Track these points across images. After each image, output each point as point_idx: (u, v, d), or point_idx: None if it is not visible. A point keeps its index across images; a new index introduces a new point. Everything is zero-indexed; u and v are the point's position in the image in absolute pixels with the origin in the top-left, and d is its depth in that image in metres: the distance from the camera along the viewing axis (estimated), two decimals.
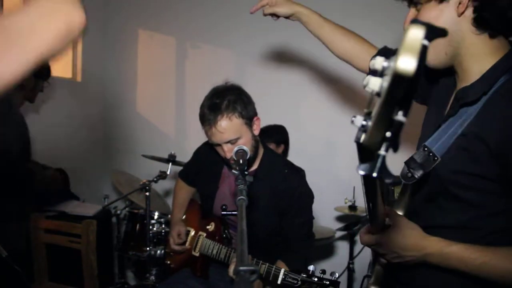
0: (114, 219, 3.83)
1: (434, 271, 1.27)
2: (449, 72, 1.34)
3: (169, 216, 3.38)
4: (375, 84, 0.58)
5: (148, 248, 3.15)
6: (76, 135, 4.27)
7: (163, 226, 3.31)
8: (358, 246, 3.54)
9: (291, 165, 2.54)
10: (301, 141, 3.87)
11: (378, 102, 0.57)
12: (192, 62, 4.48)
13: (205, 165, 2.51)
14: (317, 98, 3.91)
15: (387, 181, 0.61)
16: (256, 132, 2.26)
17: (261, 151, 2.38)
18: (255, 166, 2.36)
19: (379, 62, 0.59)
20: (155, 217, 3.35)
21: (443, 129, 1.26)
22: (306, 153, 3.77)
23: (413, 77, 0.49)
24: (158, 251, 3.21)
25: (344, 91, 3.76)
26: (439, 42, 1.17)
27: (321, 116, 3.93)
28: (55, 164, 3.81)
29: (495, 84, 1.17)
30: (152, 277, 3.26)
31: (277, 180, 2.30)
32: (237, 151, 1.95)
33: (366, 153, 0.63)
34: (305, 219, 2.35)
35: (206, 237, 2.46)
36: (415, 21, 0.52)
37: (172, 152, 3.32)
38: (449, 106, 1.34)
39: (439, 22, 1.20)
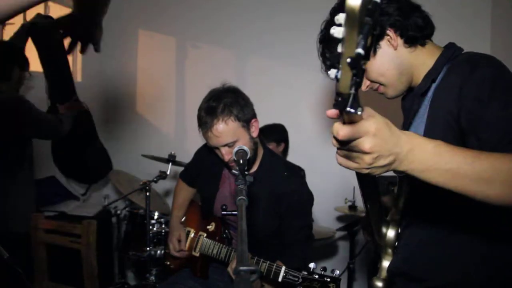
0: (114, 219, 3.84)
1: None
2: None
3: (169, 216, 3.39)
4: (339, 31, 0.73)
5: (148, 248, 3.14)
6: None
7: (163, 226, 3.31)
8: (358, 246, 3.54)
9: (291, 166, 2.53)
10: (301, 141, 3.87)
11: (342, 47, 0.73)
12: (192, 62, 4.48)
13: (205, 166, 2.51)
14: (316, 98, 3.92)
15: (355, 111, 0.81)
16: (254, 134, 2.25)
17: (260, 153, 2.37)
18: (254, 168, 2.35)
19: (342, 17, 0.73)
20: (155, 217, 3.35)
21: (415, 124, 1.45)
22: (306, 153, 3.77)
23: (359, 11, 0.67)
24: (158, 251, 3.21)
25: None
26: (396, 81, 1.47)
27: (321, 116, 3.93)
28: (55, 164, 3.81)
29: (440, 74, 1.40)
30: (152, 277, 3.26)
31: (277, 183, 2.30)
32: (237, 151, 1.94)
33: (344, 98, 0.81)
34: (304, 222, 2.34)
35: (207, 237, 2.46)
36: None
37: (172, 152, 3.32)
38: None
39: (385, 66, 1.45)
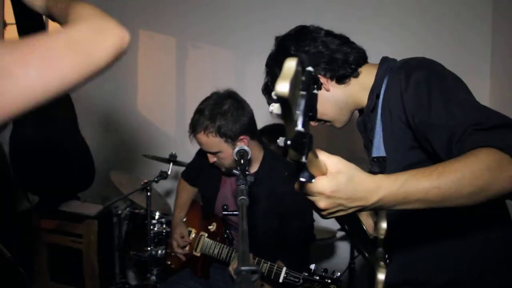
0: (115, 219, 3.83)
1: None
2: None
3: (171, 216, 3.39)
4: (277, 109, 0.74)
5: (149, 248, 3.14)
6: None
7: (164, 226, 3.31)
8: None
9: (292, 167, 2.53)
10: None
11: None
12: (193, 62, 4.48)
13: (206, 166, 2.51)
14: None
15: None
16: None
17: (260, 154, 2.37)
18: (255, 168, 2.36)
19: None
20: (156, 217, 3.35)
21: (375, 140, 1.49)
22: None
23: (298, 100, 0.72)
24: (159, 251, 3.21)
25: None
26: (338, 115, 1.59)
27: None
28: None
29: (382, 88, 1.45)
30: (153, 277, 3.26)
31: (277, 183, 2.30)
32: (238, 151, 1.95)
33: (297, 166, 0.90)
34: (304, 222, 2.34)
35: (208, 237, 2.46)
36: (299, 55, 0.70)
37: (173, 152, 3.32)
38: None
39: (324, 107, 1.55)
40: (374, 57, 1.62)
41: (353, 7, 3.67)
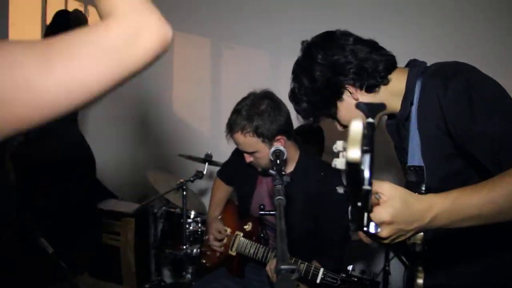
0: (151, 218, 3.89)
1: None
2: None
3: (206, 215, 3.42)
4: (341, 163, 0.79)
5: (184, 247, 3.17)
6: (115, 135, 4.36)
7: (199, 225, 3.34)
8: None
9: (328, 167, 2.52)
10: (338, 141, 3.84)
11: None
12: (227, 63, 4.50)
13: (242, 165, 2.53)
14: None
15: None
16: None
17: (296, 154, 2.37)
18: (291, 169, 2.36)
19: (340, 145, 0.84)
20: (192, 216, 3.38)
21: (410, 148, 1.47)
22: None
23: (362, 158, 0.72)
24: (194, 250, 3.24)
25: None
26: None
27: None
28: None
29: (415, 93, 1.42)
30: (188, 276, 3.29)
31: (313, 183, 2.29)
32: (273, 151, 1.96)
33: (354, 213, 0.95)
34: (340, 224, 2.33)
35: (243, 236, 2.48)
36: (358, 104, 0.82)
37: (209, 152, 3.34)
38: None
39: (352, 115, 1.52)
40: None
41: (361, 5, 3.63)
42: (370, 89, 1.49)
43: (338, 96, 1.53)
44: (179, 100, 4.76)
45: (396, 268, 3.58)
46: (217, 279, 2.52)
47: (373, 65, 1.47)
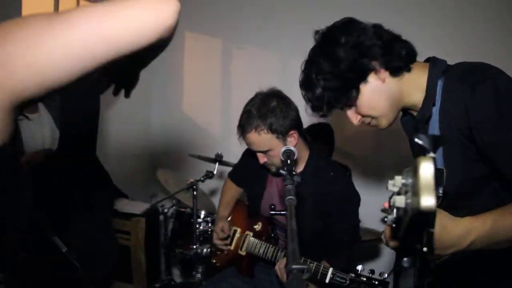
0: (161, 218, 3.90)
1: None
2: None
3: (216, 215, 3.43)
4: (400, 202, 0.74)
5: (194, 246, 3.18)
6: (124, 134, 4.38)
7: (210, 225, 3.34)
8: None
9: (338, 167, 2.52)
10: (348, 142, 3.84)
11: (404, 217, 0.74)
12: (238, 63, 4.51)
13: (252, 165, 2.53)
14: None
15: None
16: (292, 145, 2.22)
17: (306, 153, 2.37)
18: (300, 168, 2.35)
19: (398, 181, 0.78)
20: (202, 216, 3.38)
21: None
22: (353, 154, 3.74)
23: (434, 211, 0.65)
24: (204, 250, 3.24)
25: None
26: (388, 112, 1.49)
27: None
28: (105, 163, 3.92)
29: (436, 93, 1.39)
30: (198, 275, 3.30)
31: (323, 183, 2.29)
32: (284, 151, 1.96)
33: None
34: (350, 223, 2.33)
35: (253, 236, 2.48)
36: (418, 136, 0.72)
37: (219, 152, 3.35)
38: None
39: (376, 99, 1.48)
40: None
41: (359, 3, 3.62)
42: (396, 72, 1.44)
43: (363, 78, 1.46)
44: (189, 100, 4.78)
45: (407, 269, 3.56)
46: (227, 278, 2.53)
47: (397, 49, 1.43)
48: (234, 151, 3.00)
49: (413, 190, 0.68)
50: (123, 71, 1.21)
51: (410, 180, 0.71)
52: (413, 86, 1.45)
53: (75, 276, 1.87)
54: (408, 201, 0.71)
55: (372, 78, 1.45)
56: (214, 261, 2.76)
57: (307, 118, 2.37)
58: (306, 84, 1.59)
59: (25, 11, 3.25)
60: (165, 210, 3.71)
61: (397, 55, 1.42)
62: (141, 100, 4.73)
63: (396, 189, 0.81)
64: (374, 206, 3.39)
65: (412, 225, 0.71)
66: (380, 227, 3.65)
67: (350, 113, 1.58)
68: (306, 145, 2.37)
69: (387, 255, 3.88)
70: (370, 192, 2.91)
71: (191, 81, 4.74)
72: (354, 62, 1.42)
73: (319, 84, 1.50)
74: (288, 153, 1.92)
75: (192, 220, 3.21)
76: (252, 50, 4.42)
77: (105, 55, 0.76)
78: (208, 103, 4.69)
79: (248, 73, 4.37)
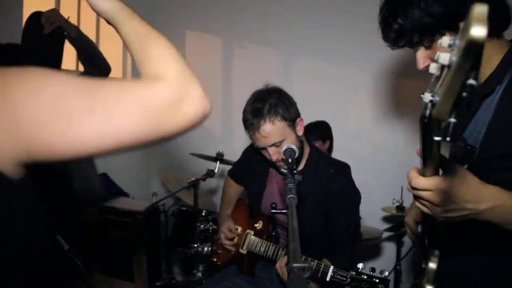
0: (162, 216, 3.91)
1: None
2: None
3: (217, 213, 3.43)
4: (444, 58, 0.66)
5: (195, 245, 3.19)
6: None
7: (210, 223, 3.35)
8: (405, 248, 3.49)
9: (338, 164, 2.53)
10: (348, 140, 3.85)
11: (446, 74, 0.66)
12: (239, 61, 4.52)
13: (253, 164, 2.53)
14: (364, 96, 3.88)
15: (459, 143, 0.72)
16: (300, 133, 2.25)
17: (307, 151, 2.37)
18: (301, 166, 2.35)
19: (446, 41, 0.69)
20: (203, 214, 3.40)
21: (471, 126, 1.35)
22: (353, 153, 3.74)
23: (483, 43, 0.57)
24: (205, 248, 3.25)
25: (391, 89, 3.71)
26: None
27: (368, 115, 3.90)
28: (106, 162, 3.92)
29: (507, 75, 1.28)
30: (199, 274, 3.31)
31: (323, 181, 2.29)
32: (285, 150, 1.97)
33: (434, 125, 0.76)
34: (351, 220, 2.33)
35: (254, 235, 2.48)
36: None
37: (220, 151, 3.35)
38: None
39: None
40: None
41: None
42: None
43: (462, 18, 1.20)
44: None
45: (408, 268, 3.57)
46: (228, 277, 2.53)
47: (499, 9, 1.27)
48: (235, 150, 3.00)
49: (460, 42, 0.61)
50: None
51: (457, 41, 0.65)
52: (488, 57, 1.31)
53: (77, 275, 1.88)
54: (453, 57, 0.64)
55: (461, 25, 1.30)
56: (215, 259, 2.76)
57: (308, 117, 2.38)
58: (399, 2, 1.33)
59: (26, 11, 3.25)
60: (166, 209, 3.72)
61: (492, 14, 1.28)
62: None
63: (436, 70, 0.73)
64: (374, 205, 3.42)
65: (455, 76, 0.64)
66: (380, 226, 3.67)
67: (420, 54, 1.38)
68: (306, 143, 2.37)
69: (388, 254, 3.89)
70: (370, 191, 2.91)
71: None
72: (446, 7, 1.24)
73: (419, 4, 1.28)
74: (289, 152, 1.93)
75: (193, 218, 3.22)
76: (253, 48, 4.43)
77: (131, 145, 0.79)
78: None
79: (249, 71, 4.38)
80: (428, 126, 0.76)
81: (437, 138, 0.76)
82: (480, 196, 1.06)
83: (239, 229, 2.62)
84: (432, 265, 1.46)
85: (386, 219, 3.85)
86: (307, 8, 4.07)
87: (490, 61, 1.31)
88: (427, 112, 0.72)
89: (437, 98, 0.69)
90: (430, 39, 1.31)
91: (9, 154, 0.70)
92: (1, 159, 0.70)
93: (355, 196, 2.33)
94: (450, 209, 1.09)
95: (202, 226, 3.32)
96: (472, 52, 0.59)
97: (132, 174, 4.44)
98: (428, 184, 1.06)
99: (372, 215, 3.67)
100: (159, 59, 0.85)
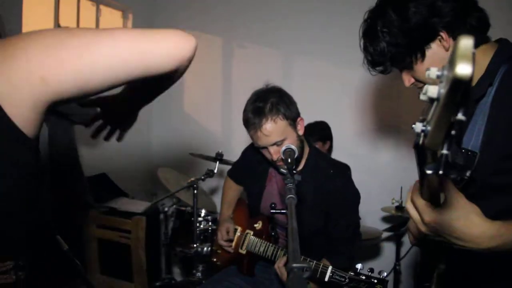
0: (161, 216, 3.92)
1: None
2: None
3: (216, 213, 3.43)
4: (433, 91, 0.65)
5: (195, 245, 3.19)
6: (126, 133, 4.38)
7: (210, 223, 3.35)
8: (404, 248, 3.49)
9: (338, 164, 2.53)
10: (348, 140, 3.85)
11: (436, 106, 0.65)
12: (238, 61, 4.52)
13: (252, 164, 2.53)
14: (363, 96, 3.88)
15: (453, 176, 0.75)
16: (301, 132, 2.26)
17: (306, 151, 2.38)
18: (301, 166, 2.36)
19: (433, 72, 0.67)
20: (202, 214, 3.40)
21: (469, 130, 1.33)
22: (352, 153, 3.74)
23: (469, 81, 0.56)
24: (205, 248, 3.26)
25: (391, 89, 3.71)
26: None
27: (368, 115, 3.90)
28: (106, 161, 3.93)
29: (497, 76, 1.29)
30: (199, 274, 3.31)
31: (323, 181, 2.29)
32: (284, 150, 1.97)
33: (428, 154, 0.73)
34: (350, 220, 2.33)
35: (253, 235, 2.48)
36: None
37: (219, 151, 3.35)
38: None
39: (436, 65, 1.28)
40: None
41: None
42: None
43: (430, 40, 1.34)
44: (190, 99, 4.78)
45: (407, 268, 3.57)
46: (227, 277, 2.53)
47: (473, 20, 1.31)
48: (234, 150, 3.01)
49: (448, 73, 0.61)
50: (124, 113, 1.41)
51: (445, 72, 0.65)
52: (476, 62, 1.33)
53: (76, 275, 1.88)
54: (442, 90, 0.64)
55: (435, 45, 1.35)
56: (214, 259, 2.76)
57: (308, 117, 2.38)
58: (369, 35, 1.45)
59: (26, 11, 3.25)
60: (166, 209, 3.72)
61: (468, 24, 1.31)
62: None
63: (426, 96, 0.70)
64: (374, 205, 3.42)
65: (448, 104, 0.63)
66: (379, 226, 3.67)
67: (404, 75, 1.48)
68: (306, 143, 2.38)
69: (387, 254, 3.89)
70: (369, 191, 2.91)
71: (192, 80, 4.74)
72: (424, 21, 1.31)
73: (384, 38, 1.39)
74: (289, 152, 1.93)
75: (192, 219, 3.22)
76: (252, 49, 4.43)
77: (135, 72, 0.91)
78: (209, 102, 4.70)
79: (249, 71, 4.38)
80: (422, 154, 0.75)
81: (428, 172, 0.74)
82: (478, 238, 1.04)
83: (239, 229, 2.62)
84: (442, 266, 1.45)
85: (385, 219, 3.86)
86: (307, 8, 4.07)
87: (480, 63, 1.32)
88: (420, 141, 0.72)
89: (429, 128, 0.68)
90: (401, 65, 1.42)
91: (28, 97, 0.82)
92: (21, 105, 0.81)
93: (354, 196, 2.33)
94: (432, 237, 1.08)
95: (201, 226, 3.32)
96: (459, 89, 0.59)
97: (131, 174, 4.44)
98: (424, 212, 1.03)
99: (371, 215, 3.67)
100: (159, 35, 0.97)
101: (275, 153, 2.15)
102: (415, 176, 1.10)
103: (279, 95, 2.21)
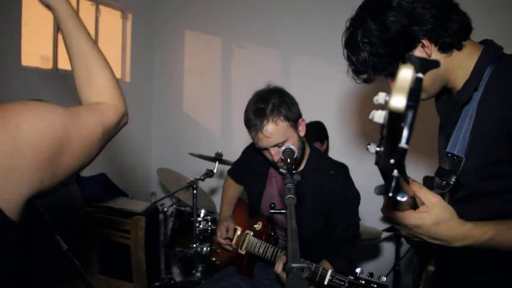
0: (161, 216, 3.91)
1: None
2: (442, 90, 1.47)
3: (216, 213, 3.43)
4: (379, 117, 0.68)
5: (194, 245, 3.19)
6: (125, 133, 4.38)
7: (209, 223, 3.35)
8: (404, 247, 3.49)
9: (337, 165, 2.52)
10: (347, 140, 3.85)
11: (383, 131, 0.67)
12: (238, 61, 4.52)
13: (252, 164, 2.53)
14: (362, 96, 3.88)
15: (400, 199, 0.75)
16: (302, 133, 2.26)
17: (307, 152, 2.37)
18: (301, 167, 2.36)
19: (382, 97, 0.69)
20: (202, 214, 3.39)
21: (455, 135, 1.36)
22: (351, 153, 3.74)
23: (406, 111, 0.59)
24: (204, 248, 3.26)
25: (390, 89, 3.70)
26: (429, 87, 1.39)
27: (367, 115, 3.89)
28: (105, 162, 3.93)
29: (483, 79, 1.29)
30: (198, 274, 3.30)
31: (323, 181, 2.29)
32: (284, 150, 1.97)
33: (384, 174, 0.76)
34: (351, 220, 2.33)
35: (253, 235, 2.48)
36: (409, 56, 0.66)
37: (219, 151, 3.35)
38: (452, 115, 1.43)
39: None
40: None
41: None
42: (444, 48, 1.31)
43: (411, 48, 1.33)
44: (189, 99, 4.78)
45: (406, 268, 3.57)
46: (227, 277, 2.53)
47: (454, 24, 1.30)
48: (234, 150, 3.00)
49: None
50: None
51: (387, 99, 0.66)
52: (460, 66, 1.34)
53: (76, 275, 1.87)
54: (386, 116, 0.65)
55: (417, 52, 1.33)
56: (214, 259, 2.76)
57: (307, 117, 2.38)
58: (350, 45, 1.46)
59: (25, 11, 3.25)
60: (165, 209, 3.72)
61: (449, 30, 1.30)
62: (141, 99, 4.74)
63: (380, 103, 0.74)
64: (373, 205, 3.41)
65: (388, 137, 0.66)
66: (379, 226, 3.66)
67: (390, 81, 1.49)
68: (306, 143, 2.37)
69: (386, 254, 3.89)
70: (369, 191, 2.89)
71: (191, 80, 4.75)
72: (403, 30, 1.30)
73: (364, 48, 1.39)
74: (288, 152, 1.93)
75: (192, 218, 3.21)
76: (252, 49, 4.43)
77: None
78: (208, 102, 4.69)
79: (248, 71, 4.38)
80: (382, 171, 0.78)
81: (379, 194, 0.78)
82: (451, 238, 1.12)
83: (239, 229, 2.61)
84: (431, 268, 1.45)
85: (385, 219, 3.85)
86: (306, 8, 4.07)
87: (464, 67, 1.33)
88: (375, 161, 0.75)
89: (382, 149, 0.70)
90: (385, 73, 1.43)
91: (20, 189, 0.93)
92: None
93: (354, 196, 2.33)
94: (413, 240, 1.19)
95: (201, 226, 3.32)
96: (397, 119, 0.60)
97: (131, 174, 4.44)
98: (401, 219, 1.16)
99: (371, 215, 3.65)
100: (99, 88, 1.23)
101: (276, 154, 2.15)
102: (414, 176, 1.11)
103: (280, 96, 2.20)
